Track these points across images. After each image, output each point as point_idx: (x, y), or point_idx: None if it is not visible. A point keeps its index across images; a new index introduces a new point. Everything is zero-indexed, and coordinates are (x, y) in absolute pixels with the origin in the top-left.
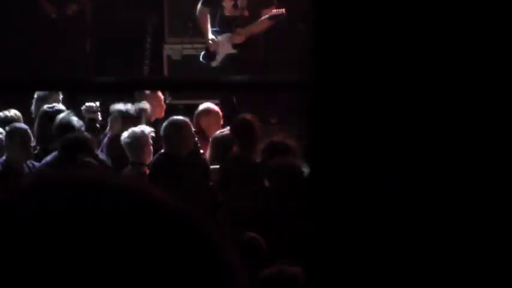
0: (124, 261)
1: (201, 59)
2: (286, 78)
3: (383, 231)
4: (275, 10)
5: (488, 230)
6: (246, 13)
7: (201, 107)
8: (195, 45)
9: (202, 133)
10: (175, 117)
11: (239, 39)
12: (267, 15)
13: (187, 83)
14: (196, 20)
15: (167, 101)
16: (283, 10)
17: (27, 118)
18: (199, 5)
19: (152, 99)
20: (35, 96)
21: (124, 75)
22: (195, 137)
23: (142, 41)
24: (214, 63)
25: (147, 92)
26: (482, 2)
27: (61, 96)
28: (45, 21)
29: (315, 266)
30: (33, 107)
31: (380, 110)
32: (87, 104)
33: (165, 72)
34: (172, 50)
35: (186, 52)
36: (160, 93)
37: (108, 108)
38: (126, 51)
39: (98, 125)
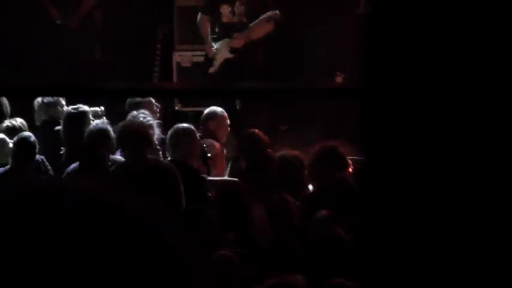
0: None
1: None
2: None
3: (442, 242)
4: (270, 12)
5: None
6: (244, 19)
7: (207, 111)
8: (205, 53)
9: (211, 136)
10: (181, 124)
11: (237, 44)
12: (262, 17)
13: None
14: (198, 27)
15: (176, 108)
16: (277, 11)
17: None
18: (199, 13)
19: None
20: (39, 102)
21: (133, 82)
22: (201, 144)
23: (152, 48)
24: (211, 70)
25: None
26: None
27: (64, 102)
28: (55, 27)
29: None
30: (36, 114)
31: (436, 117)
32: (92, 108)
33: (175, 79)
34: (181, 57)
35: (195, 59)
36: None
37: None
38: (136, 58)
39: None
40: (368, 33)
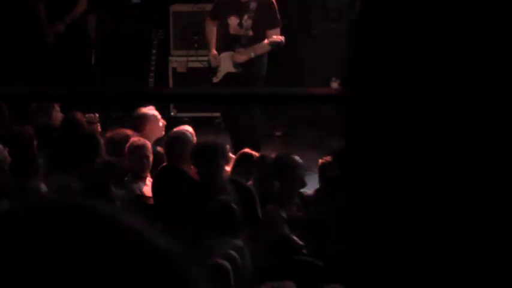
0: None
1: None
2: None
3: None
4: (276, 37)
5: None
6: (251, 33)
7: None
8: (200, 58)
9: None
10: (175, 130)
11: (240, 59)
12: (267, 41)
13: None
14: (203, 31)
15: (172, 113)
16: (282, 38)
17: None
18: (207, 17)
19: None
20: (33, 108)
21: (129, 87)
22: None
23: (148, 53)
24: (214, 79)
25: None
26: None
27: (58, 108)
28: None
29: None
30: (31, 120)
31: (423, 122)
32: (87, 114)
33: (170, 84)
34: (177, 62)
35: (191, 65)
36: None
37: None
38: (132, 64)
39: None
40: (354, 39)
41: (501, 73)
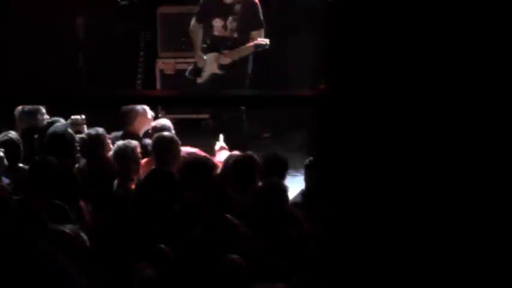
0: None
1: (187, 74)
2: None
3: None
4: (261, 40)
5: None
6: (235, 35)
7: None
8: (188, 60)
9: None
10: (162, 133)
11: (226, 61)
12: (252, 44)
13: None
14: (189, 34)
15: (160, 115)
16: (267, 41)
17: None
18: (192, 20)
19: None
20: (19, 110)
21: (117, 89)
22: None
23: (136, 55)
24: (199, 80)
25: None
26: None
27: (44, 110)
28: (37, 34)
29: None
30: (17, 122)
31: (393, 122)
32: (72, 116)
33: (158, 86)
34: (164, 64)
35: (178, 67)
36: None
37: None
38: (119, 66)
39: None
40: (329, 40)
41: (475, 70)
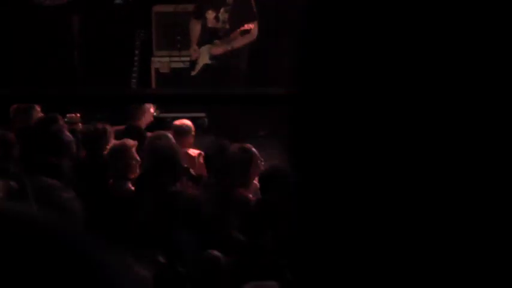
0: None
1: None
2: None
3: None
4: (246, 25)
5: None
6: (227, 26)
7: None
8: (183, 59)
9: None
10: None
11: (217, 51)
12: (238, 31)
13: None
14: (186, 31)
15: (155, 114)
16: (252, 26)
17: None
18: (191, 17)
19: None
20: (14, 109)
21: (112, 88)
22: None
23: (131, 54)
24: (193, 73)
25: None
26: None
27: (38, 108)
28: (33, 33)
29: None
30: (12, 121)
31: (371, 122)
32: (68, 115)
33: (153, 85)
34: (160, 63)
35: (174, 65)
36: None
37: None
38: (114, 64)
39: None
40: (301, 35)
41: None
